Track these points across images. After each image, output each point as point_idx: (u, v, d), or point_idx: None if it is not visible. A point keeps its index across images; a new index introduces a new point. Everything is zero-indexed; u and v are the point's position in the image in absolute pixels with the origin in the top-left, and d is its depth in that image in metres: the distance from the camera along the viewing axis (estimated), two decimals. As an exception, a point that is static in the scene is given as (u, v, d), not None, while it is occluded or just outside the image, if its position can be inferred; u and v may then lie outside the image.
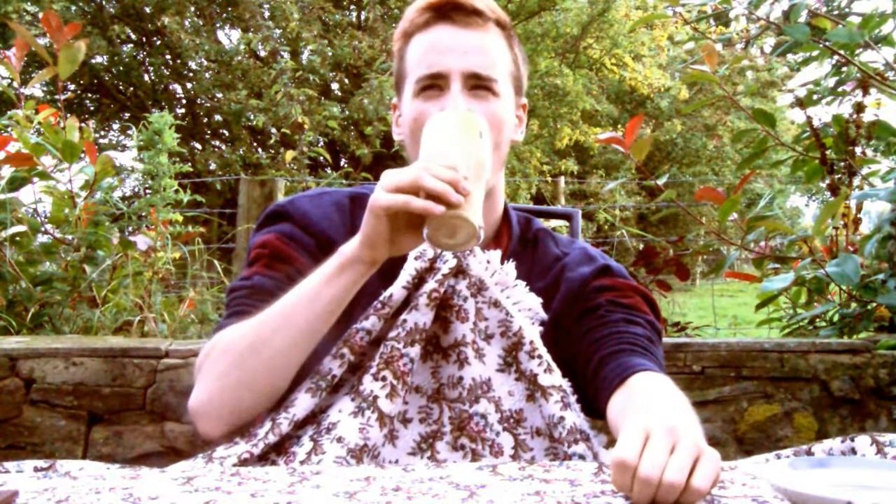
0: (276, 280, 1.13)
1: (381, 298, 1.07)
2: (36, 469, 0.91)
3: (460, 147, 1.00)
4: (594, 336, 1.13)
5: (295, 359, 1.05)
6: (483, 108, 1.12)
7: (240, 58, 11.24)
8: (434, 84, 1.13)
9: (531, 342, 1.07)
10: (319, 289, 1.03)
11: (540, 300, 1.14)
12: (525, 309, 1.12)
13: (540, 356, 1.07)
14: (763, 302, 2.95)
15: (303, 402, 1.04)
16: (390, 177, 0.96)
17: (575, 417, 1.05)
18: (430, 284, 1.07)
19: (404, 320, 1.05)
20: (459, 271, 1.10)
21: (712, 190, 2.93)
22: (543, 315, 1.13)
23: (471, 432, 1.04)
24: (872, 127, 2.93)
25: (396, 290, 1.07)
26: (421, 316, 1.05)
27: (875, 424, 2.37)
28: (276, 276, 1.14)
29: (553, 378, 1.06)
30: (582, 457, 1.02)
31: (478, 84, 1.13)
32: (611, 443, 1.07)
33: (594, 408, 1.10)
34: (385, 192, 0.95)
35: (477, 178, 0.99)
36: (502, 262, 1.15)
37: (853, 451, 0.95)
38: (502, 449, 1.04)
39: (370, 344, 1.07)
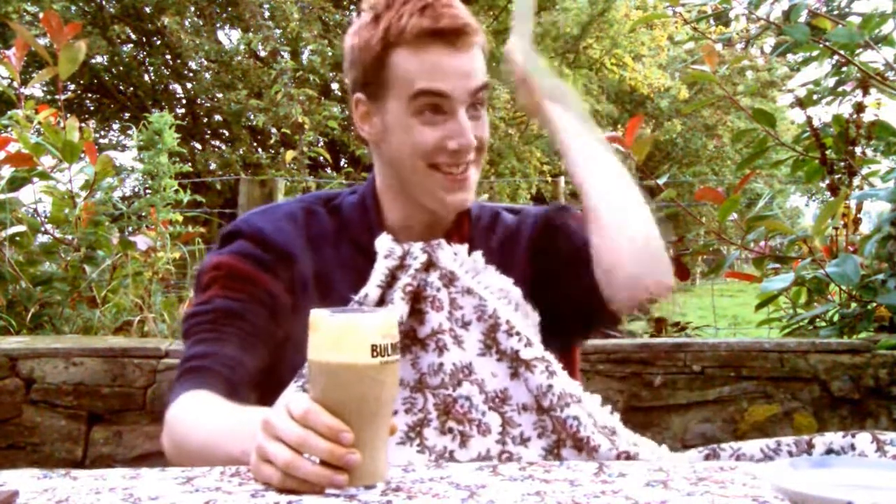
0: (239, 301, 1.13)
1: (356, 297, 1.09)
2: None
3: (352, 392, 0.81)
4: (574, 244, 1.19)
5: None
6: (478, 128, 1.16)
7: (240, 58, 11.26)
8: (436, 104, 1.12)
9: (507, 321, 1.09)
10: (229, 447, 0.94)
11: (511, 279, 1.16)
12: (496, 290, 1.14)
13: (518, 333, 1.08)
14: (763, 302, 2.95)
15: None
16: (264, 444, 0.82)
17: (564, 382, 1.06)
18: (404, 280, 1.09)
19: None
20: (430, 265, 1.12)
21: (712, 190, 2.93)
22: (517, 293, 1.15)
23: (457, 415, 1.05)
24: (872, 127, 2.92)
25: (371, 289, 1.10)
26: (397, 311, 1.06)
27: (875, 424, 2.37)
28: (239, 296, 1.13)
29: (535, 351, 1.08)
30: (577, 418, 1.03)
31: (476, 100, 1.15)
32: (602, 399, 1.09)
33: (605, 313, 1.17)
34: (261, 462, 0.82)
35: (378, 425, 0.83)
36: (470, 252, 1.16)
37: (853, 447, 0.96)
38: (490, 428, 1.05)
39: None
